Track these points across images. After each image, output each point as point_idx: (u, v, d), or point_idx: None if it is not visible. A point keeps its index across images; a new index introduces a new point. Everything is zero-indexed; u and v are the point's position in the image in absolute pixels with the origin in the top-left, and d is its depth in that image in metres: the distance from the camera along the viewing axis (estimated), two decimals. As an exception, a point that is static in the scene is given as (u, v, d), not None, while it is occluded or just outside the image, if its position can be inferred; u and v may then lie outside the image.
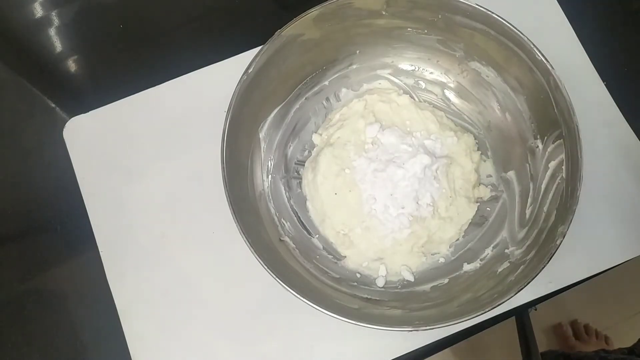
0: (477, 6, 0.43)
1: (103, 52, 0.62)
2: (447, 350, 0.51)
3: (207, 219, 0.53)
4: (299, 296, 0.40)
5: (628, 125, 0.54)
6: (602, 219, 0.51)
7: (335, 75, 0.54)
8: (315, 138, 0.54)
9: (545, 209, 0.45)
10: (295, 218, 0.52)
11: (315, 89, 0.54)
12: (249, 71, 0.45)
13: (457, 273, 0.49)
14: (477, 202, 0.52)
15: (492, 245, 0.49)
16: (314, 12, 0.45)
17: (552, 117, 0.44)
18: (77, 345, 0.53)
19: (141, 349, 0.50)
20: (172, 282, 0.52)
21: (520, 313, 0.58)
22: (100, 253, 0.53)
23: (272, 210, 0.51)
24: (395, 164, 0.49)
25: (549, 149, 0.47)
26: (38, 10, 0.62)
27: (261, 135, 0.51)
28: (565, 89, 0.42)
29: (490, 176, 0.53)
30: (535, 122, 0.48)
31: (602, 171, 0.52)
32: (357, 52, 0.53)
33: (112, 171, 0.55)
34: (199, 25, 0.62)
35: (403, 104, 0.52)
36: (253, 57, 0.45)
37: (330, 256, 0.51)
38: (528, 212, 0.48)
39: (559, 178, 0.45)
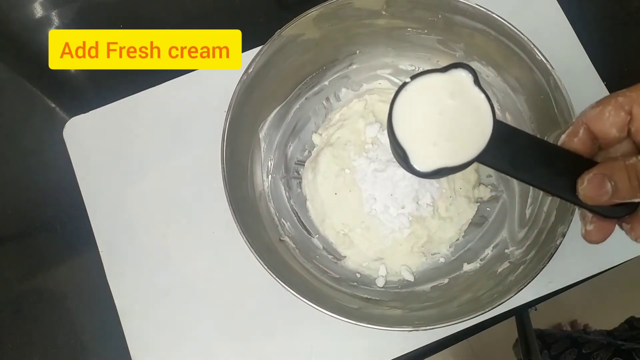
0: (477, 6, 0.43)
1: (103, 52, 0.62)
2: (447, 350, 0.51)
3: (207, 219, 0.53)
4: (299, 296, 0.40)
5: (628, 125, 0.54)
6: (602, 219, 0.51)
7: (335, 75, 0.54)
8: (315, 138, 0.54)
9: (545, 209, 0.45)
10: (295, 218, 0.52)
11: (315, 89, 0.54)
12: (249, 71, 0.45)
13: (457, 273, 0.49)
14: (477, 202, 0.52)
15: (492, 245, 0.49)
16: (314, 12, 0.45)
17: (552, 117, 0.44)
18: (77, 345, 0.53)
19: (141, 349, 0.50)
20: (172, 282, 0.52)
21: (520, 313, 0.58)
22: (100, 253, 0.53)
23: (272, 210, 0.51)
24: (395, 164, 0.49)
25: (549, 149, 0.46)
26: (38, 10, 0.62)
27: (261, 135, 0.51)
28: (565, 89, 0.42)
29: (490, 176, 0.53)
30: (535, 122, 0.48)
31: (602, 171, 0.52)
32: (357, 52, 0.53)
33: (112, 171, 0.55)
34: (199, 25, 0.62)
35: (403, 104, 0.52)
36: (253, 57, 0.45)
37: (330, 256, 0.51)
38: (528, 212, 0.48)
39: (559, 178, 0.45)
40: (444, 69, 0.30)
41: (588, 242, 0.30)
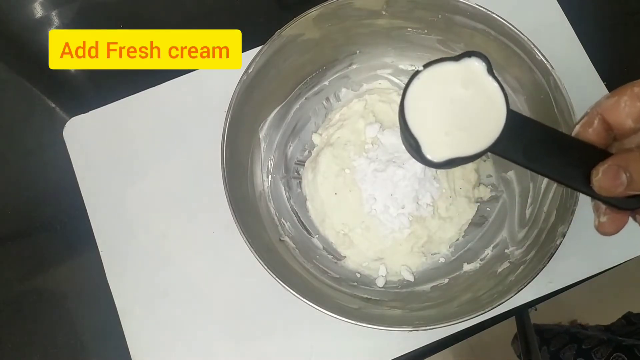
0: (477, 6, 0.43)
1: (103, 52, 0.62)
2: (447, 350, 0.51)
3: (207, 219, 0.53)
4: (299, 296, 0.40)
5: (628, 125, 0.54)
6: (602, 219, 0.51)
7: (335, 75, 0.54)
8: (315, 138, 0.54)
9: (545, 209, 0.45)
10: (295, 218, 0.52)
11: (315, 89, 0.54)
12: (249, 71, 0.45)
13: (457, 273, 0.49)
14: (477, 202, 0.52)
15: (492, 245, 0.49)
16: (314, 12, 0.45)
17: (552, 117, 0.44)
18: (77, 345, 0.53)
19: (141, 349, 0.50)
20: (172, 282, 0.52)
21: (520, 313, 0.58)
22: (100, 253, 0.53)
23: (272, 210, 0.51)
24: (395, 164, 0.49)
25: (549, 149, 0.46)
26: (38, 10, 0.62)
27: (261, 135, 0.51)
28: (565, 89, 0.42)
29: (490, 176, 0.53)
30: (535, 122, 0.48)
31: (602, 171, 0.52)
32: (357, 52, 0.53)
33: (112, 171, 0.55)
34: (199, 25, 0.62)
35: (403, 104, 0.52)
36: (253, 57, 0.45)
37: (330, 256, 0.51)
38: (528, 212, 0.48)
39: (558, 178, 0.45)
40: (457, 58, 0.30)
41: (601, 234, 0.30)
